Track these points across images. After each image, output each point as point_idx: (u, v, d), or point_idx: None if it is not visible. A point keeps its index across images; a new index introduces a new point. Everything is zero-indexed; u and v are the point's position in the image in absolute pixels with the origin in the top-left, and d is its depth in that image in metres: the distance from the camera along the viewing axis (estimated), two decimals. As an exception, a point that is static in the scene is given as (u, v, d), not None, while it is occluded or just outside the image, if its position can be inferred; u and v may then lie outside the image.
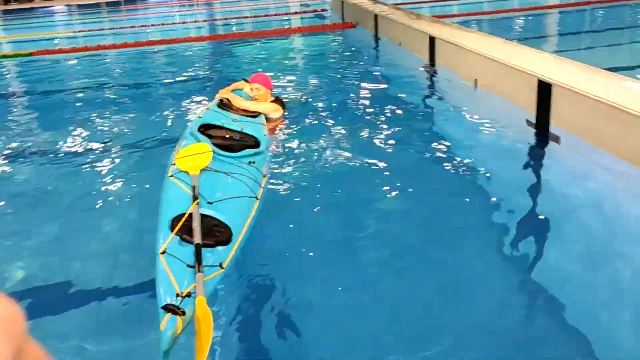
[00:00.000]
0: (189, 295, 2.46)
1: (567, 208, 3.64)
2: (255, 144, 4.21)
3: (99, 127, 5.67)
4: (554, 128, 4.65)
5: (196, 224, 2.86)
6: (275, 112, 5.22)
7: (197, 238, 2.76)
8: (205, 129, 4.35)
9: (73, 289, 3.08)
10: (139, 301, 2.97)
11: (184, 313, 2.35)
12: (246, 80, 5.79)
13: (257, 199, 3.42)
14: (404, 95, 6.09)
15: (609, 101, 4.06)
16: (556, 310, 2.73)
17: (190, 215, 2.96)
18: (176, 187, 3.36)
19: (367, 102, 5.82)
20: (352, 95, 6.19)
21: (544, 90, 4.76)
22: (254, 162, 3.83)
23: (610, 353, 2.47)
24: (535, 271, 3.04)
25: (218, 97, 5.26)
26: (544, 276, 2.96)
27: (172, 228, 2.91)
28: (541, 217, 3.60)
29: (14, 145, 5.31)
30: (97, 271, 3.23)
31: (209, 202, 3.16)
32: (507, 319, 2.71)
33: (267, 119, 5.07)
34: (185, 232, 2.87)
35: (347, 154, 4.48)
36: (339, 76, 7.29)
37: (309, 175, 4.20)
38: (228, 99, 5.12)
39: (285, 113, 5.38)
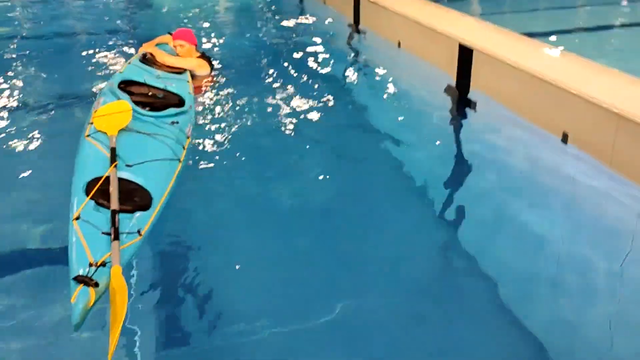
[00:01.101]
0: (103, 264, 2.33)
1: (479, 167, 3.76)
2: (180, 102, 4.01)
3: (8, 81, 5.21)
4: (473, 92, 4.67)
5: (113, 189, 2.71)
6: (202, 68, 4.99)
7: (114, 203, 2.61)
8: (126, 85, 4.10)
9: None
10: (51, 270, 2.82)
11: (96, 285, 2.21)
12: (171, 34, 5.47)
13: (179, 161, 3.27)
14: (327, 55, 5.97)
15: (526, 68, 4.10)
16: (466, 269, 2.81)
17: (107, 178, 2.80)
18: (93, 147, 3.15)
19: (290, 62, 5.66)
20: (274, 54, 6.01)
21: (465, 54, 4.76)
22: (177, 122, 3.65)
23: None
24: (453, 234, 3.12)
25: (141, 51, 4.97)
26: (461, 238, 3.05)
27: (87, 192, 2.74)
28: (457, 178, 3.67)
29: None
30: (6, 235, 3.01)
31: (127, 165, 2.99)
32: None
33: (193, 77, 4.85)
34: (101, 197, 2.70)
35: (269, 117, 4.35)
36: (261, 34, 7.07)
37: (232, 137, 4.06)
38: (152, 54, 4.85)
39: (213, 72, 5.15)
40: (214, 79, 5.13)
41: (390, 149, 3.98)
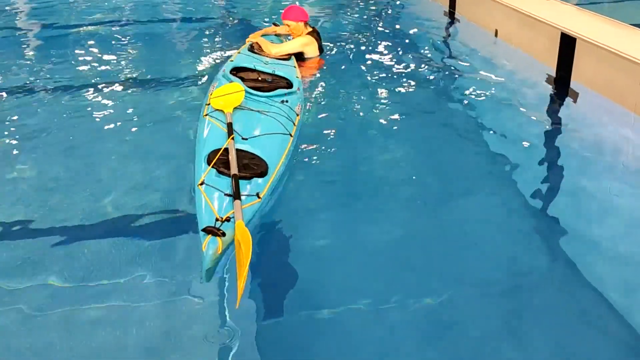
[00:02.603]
0: (228, 219, 2.57)
1: (581, 165, 3.65)
2: (288, 85, 4.25)
3: (117, 67, 5.58)
4: (574, 84, 4.58)
5: (232, 157, 2.98)
6: (308, 47, 5.15)
7: (234, 169, 2.88)
8: (237, 71, 4.39)
9: (113, 219, 3.12)
10: (180, 228, 3.05)
11: (224, 234, 2.46)
12: (276, 25, 5.73)
13: (290, 135, 3.52)
14: (422, 43, 5.98)
15: (633, 57, 3.99)
16: (563, 263, 2.77)
17: (226, 149, 3.08)
18: (211, 124, 3.46)
19: (386, 47, 5.70)
20: (371, 42, 6.03)
21: (567, 44, 4.67)
22: (287, 102, 3.90)
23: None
24: (547, 230, 3.07)
25: (248, 41, 5.24)
26: (557, 238, 2.98)
27: (208, 162, 3.02)
28: (555, 174, 3.60)
29: (46, 81, 5.23)
30: (136, 203, 3.25)
31: (243, 138, 3.27)
32: (508, 274, 2.74)
33: (303, 60, 5.08)
34: (221, 166, 2.97)
35: (368, 101, 4.46)
36: (357, 20, 7.11)
37: (338, 116, 4.25)
38: (258, 44, 5.10)
39: (322, 55, 5.32)
40: (323, 61, 5.26)
41: (486, 138, 3.97)
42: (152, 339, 2.34)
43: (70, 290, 2.60)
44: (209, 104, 3.72)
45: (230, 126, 3.33)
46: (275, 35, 5.54)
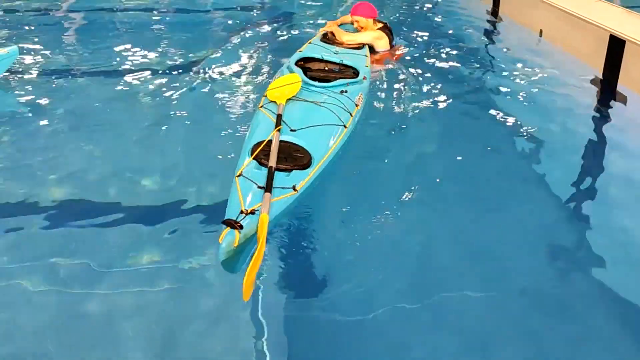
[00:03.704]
0: (252, 212, 2.56)
1: (629, 174, 3.54)
2: (354, 74, 4.21)
3: (165, 55, 5.64)
4: (621, 87, 4.49)
5: (274, 148, 2.95)
6: (379, 41, 5.13)
7: (272, 161, 2.86)
8: (304, 62, 4.39)
9: (158, 201, 3.18)
10: (213, 219, 2.99)
11: (241, 227, 2.46)
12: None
13: (345, 127, 3.45)
14: (465, 42, 5.91)
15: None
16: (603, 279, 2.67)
17: (270, 141, 3.05)
18: (263, 116, 3.46)
19: (430, 50, 5.60)
20: (415, 41, 5.95)
21: (616, 46, 4.57)
22: (346, 92, 3.84)
23: None
24: (588, 238, 2.97)
25: (322, 31, 5.24)
26: (599, 243, 2.88)
27: (252, 153, 3.01)
28: (601, 181, 3.51)
29: (74, 62, 5.35)
30: (182, 190, 3.27)
31: (291, 130, 3.24)
32: (544, 286, 2.65)
33: (374, 51, 5.06)
34: (263, 158, 2.96)
35: (418, 97, 4.43)
36: (404, 19, 7.01)
37: (399, 110, 4.21)
38: (332, 33, 5.09)
39: (396, 46, 5.32)
40: (396, 52, 5.24)
41: (528, 140, 3.89)
42: (160, 330, 2.35)
43: (98, 272, 2.64)
44: (265, 96, 3.71)
45: (279, 117, 3.30)
46: (351, 23, 5.47)
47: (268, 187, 2.69)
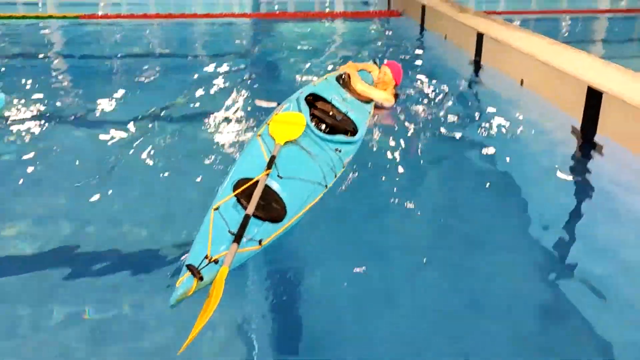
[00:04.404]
0: (216, 261, 2.51)
1: (605, 221, 3.58)
2: (353, 130, 4.17)
3: (142, 95, 5.73)
4: (600, 137, 4.58)
5: (256, 194, 2.87)
6: (387, 102, 5.13)
7: (250, 208, 2.77)
8: (314, 98, 4.37)
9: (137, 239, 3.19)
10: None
11: (201, 279, 2.42)
12: (376, 63, 5.78)
13: (325, 187, 3.42)
14: (447, 90, 6.02)
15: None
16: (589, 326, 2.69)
17: (256, 182, 2.98)
18: (258, 148, 3.41)
19: (413, 98, 5.72)
20: (401, 89, 6.07)
21: (594, 97, 4.69)
22: (340, 151, 3.80)
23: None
24: (566, 283, 3.00)
25: (341, 70, 5.27)
26: (578, 289, 2.91)
27: (235, 188, 2.96)
28: (577, 229, 3.54)
29: (63, 109, 5.39)
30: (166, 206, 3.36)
31: (279, 176, 3.18)
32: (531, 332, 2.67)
33: (378, 106, 5.07)
34: (244, 197, 2.89)
35: (395, 149, 4.42)
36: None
37: (382, 174, 4.08)
38: (349, 76, 5.09)
39: (396, 106, 5.33)
40: (393, 113, 5.21)
41: (507, 189, 3.96)
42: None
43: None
44: (267, 125, 3.66)
45: (272, 159, 3.22)
46: (369, 72, 5.50)
47: (238, 237, 2.61)
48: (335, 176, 3.59)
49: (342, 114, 4.31)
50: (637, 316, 2.76)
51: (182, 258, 2.88)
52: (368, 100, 4.93)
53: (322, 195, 3.36)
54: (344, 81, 5.01)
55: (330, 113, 4.28)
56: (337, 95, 4.59)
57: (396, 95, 5.33)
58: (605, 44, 9.69)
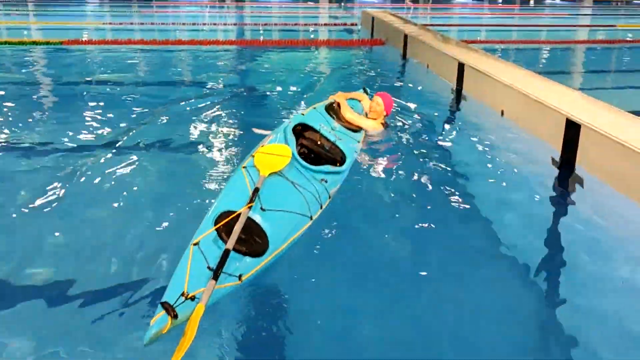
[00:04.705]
0: (192, 298, 2.45)
1: (581, 252, 3.60)
2: (341, 160, 4.14)
3: (124, 122, 5.70)
4: (579, 169, 4.64)
5: (237, 228, 2.79)
6: (376, 131, 5.18)
7: (230, 243, 2.71)
8: (302, 128, 4.33)
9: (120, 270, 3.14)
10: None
11: (176, 317, 2.35)
12: (366, 92, 5.83)
13: (310, 218, 3.36)
14: (430, 119, 6.09)
15: (636, 147, 4.06)
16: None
17: (238, 216, 2.92)
18: (242, 180, 3.35)
19: (395, 126, 5.79)
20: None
21: (572, 129, 4.76)
22: (326, 181, 3.75)
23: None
24: (547, 313, 3.02)
25: (331, 99, 5.29)
26: (556, 320, 2.93)
27: (217, 222, 2.90)
28: (555, 260, 3.56)
29: (43, 136, 5.36)
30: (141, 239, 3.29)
31: (262, 209, 3.12)
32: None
33: (368, 135, 5.09)
34: (224, 231, 2.84)
35: (375, 184, 4.40)
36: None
37: (369, 204, 4.09)
38: (338, 105, 5.11)
39: (386, 134, 5.35)
40: (382, 142, 5.22)
41: (487, 220, 3.97)
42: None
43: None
44: (252, 157, 3.62)
45: (255, 192, 3.16)
46: (359, 101, 5.53)
47: (216, 274, 2.56)
48: (321, 207, 3.54)
49: (331, 143, 4.29)
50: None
51: (161, 295, 2.82)
52: (358, 130, 4.95)
53: (307, 228, 3.31)
54: (333, 110, 5.02)
55: (319, 142, 4.26)
56: (326, 124, 4.57)
57: (385, 125, 5.38)
58: (582, 75, 9.89)
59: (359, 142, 4.72)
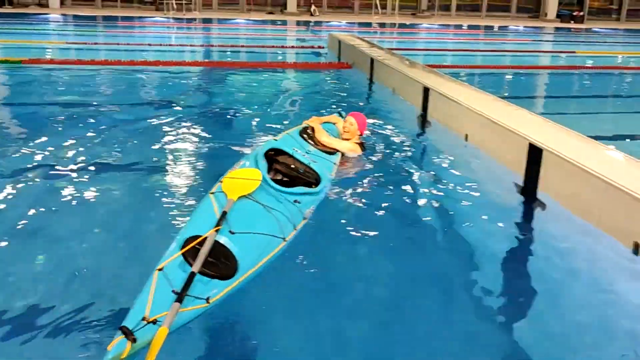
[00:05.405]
0: (154, 322, 2.39)
1: (543, 278, 3.61)
2: (316, 182, 4.12)
3: (87, 145, 5.55)
4: (541, 194, 4.66)
5: (204, 251, 2.78)
6: (352, 152, 5.18)
7: (196, 266, 2.69)
8: (275, 153, 4.30)
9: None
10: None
11: (134, 340, 2.29)
12: (341, 116, 5.82)
13: (283, 240, 3.31)
14: (395, 144, 6.08)
15: (599, 174, 4.09)
16: None
17: (205, 240, 2.89)
18: (210, 206, 3.31)
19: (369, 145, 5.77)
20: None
21: (535, 154, 4.80)
22: (298, 202, 3.72)
23: None
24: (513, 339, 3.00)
25: (305, 123, 5.27)
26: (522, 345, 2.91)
27: (183, 247, 2.86)
28: (515, 287, 3.56)
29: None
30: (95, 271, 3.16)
31: (230, 232, 3.07)
32: None
33: (345, 156, 5.08)
34: (191, 255, 2.80)
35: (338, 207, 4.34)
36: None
37: (349, 226, 4.01)
38: (313, 129, 5.10)
39: (362, 155, 5.31)
40: (358, 164, 5.19)
41: (449, 245, 3.97)
42: None
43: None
44: (221, 182, 3.57)
45: (223, 215, 3.13)
46: (333, 124, 5.54)
47: (180, 297, 2.51)
48: (295, 228, 3.50)
49: (305, 166, 4.29)
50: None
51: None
52: (334, 152, 4.96)
53: (280, 249, 3.26)
54: (308, 135, 5.03)
55: (292, 166, 4.25)
56: (300, 148, 4.57)
57: (362, 145, 5.38)
58: (545, 99, 10.09)
59: (335, 163, 4.73)
